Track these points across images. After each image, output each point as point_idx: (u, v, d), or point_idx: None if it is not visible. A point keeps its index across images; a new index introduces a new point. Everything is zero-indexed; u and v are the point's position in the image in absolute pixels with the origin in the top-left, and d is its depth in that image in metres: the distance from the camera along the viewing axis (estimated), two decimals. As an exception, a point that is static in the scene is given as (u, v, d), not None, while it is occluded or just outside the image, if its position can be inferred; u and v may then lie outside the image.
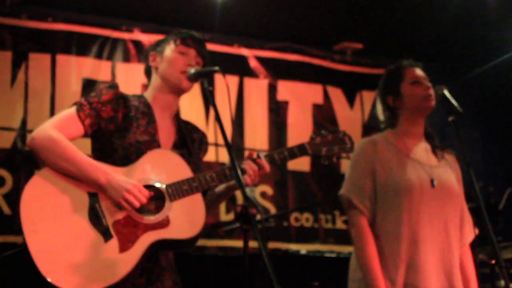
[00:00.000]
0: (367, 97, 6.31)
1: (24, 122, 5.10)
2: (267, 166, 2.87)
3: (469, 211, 3.30)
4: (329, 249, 5.90)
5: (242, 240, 3.95)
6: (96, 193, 2.69)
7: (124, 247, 2.63)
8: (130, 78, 5.39)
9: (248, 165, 2.84)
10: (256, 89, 5.97)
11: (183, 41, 2.99)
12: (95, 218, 2.64)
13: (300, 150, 2.95)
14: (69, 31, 5.36)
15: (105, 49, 5.46)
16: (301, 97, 6.11)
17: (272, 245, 5.60)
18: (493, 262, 4.61)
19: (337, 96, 6.27)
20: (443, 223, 3.11)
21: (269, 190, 5.81)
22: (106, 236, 2.63)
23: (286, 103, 6.07)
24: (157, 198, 2.73)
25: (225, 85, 2.78)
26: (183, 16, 5.59)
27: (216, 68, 2.67)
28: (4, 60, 5.13)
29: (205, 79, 2.69)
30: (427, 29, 5.86)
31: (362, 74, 6.37)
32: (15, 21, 5.22)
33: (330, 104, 6.23)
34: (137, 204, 2.65)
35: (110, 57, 5.45)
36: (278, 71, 6.07)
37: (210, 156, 5.29)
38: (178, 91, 2.98)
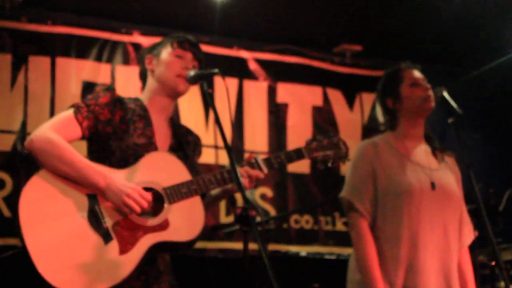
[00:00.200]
0: (367, 99, 6.31)
1: (24, 125, 5.10)
2: (264, 170, 2.89)
3: (469, 213, 3.30)
4: (329, 251, 5.90)
5: (242, 242, 3.96)
6: (95, 194, 2.68)
7: (124, 249, 2.63)
8: (129, 81, 5.40)
9: (244, 170, 2.85)
10: (256, 92, 5.97)
11: (180, 44, 3.00)
12: (95, 220, 2.64)
13: (297, 154, 2.98)
14: (68, 34, 5.36)
15: (105, 52, 5.46)
16: (300, 99, 6.11)
17: (272, 247, 5.60)
18: (493, 263, 4.60)
19: (336, 98, 6.28)
20: (442, 225, 3.12)
21: (269, 192, 5.81)
22: (106, 238, 2.63)
23: (285, 105, 6.07)
24: (156, 201, 2.73)
25: (224, 88, 2.78)
26: (183, 18, 5.60)
27: (216, 70, 2.67)
28: (4, 63, 5.13)
29: (204, 82, 2.69)
30: (427, 30, 5.87)
31: (362, 76, 6.38)
32: (15, 24, 5.22)
33: (330, 106, 6.23)
34: (137, 209, 2.65)
35: (109, 60, 5.46)
36: (277, 73, 6.07)
37: (209, 158, 5.33)
38: (174, 94, 2.99)
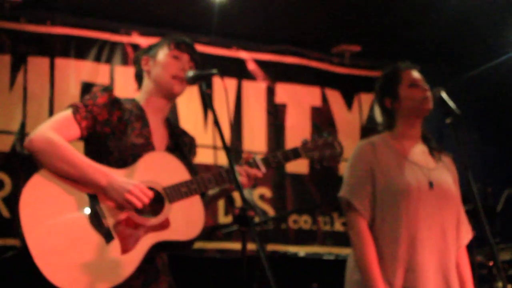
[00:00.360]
0: (365, 99, 6.32)
1: (23, 126, 5.10)
2: (262, 169, 2.91)
3: (467, 213, 3.31)
4: (328, 251, 5.91)
5: (241, 243, 3.97)
6: (95, 194, 2.69)
7: (126, 248, 2.64)
8: (128, 81, 5.36)
9: (242, 169, 2.88)
10: (255, 92, 5.98)
11: (176, 45, 3.01)
12: (96, 219, 2.65)
13: (293, 154, 3.00)
14: (67, 35, 5.37)
15: (104, 53, 5.47)
16: (299, 100, 6.12)
17: (270, 247, 5.61)
18: (491, 263, 4.61)
19: (335, 98, 6.28)
20: (440, 225, 3.13)
21: (267, 192, 5.82)
22: (108, 237, 2.64)
23: (284, 106, 6.07)
24: (156, 200, 2.75)
25: (223, 88, 2.79)
26: (181, 19, 5.60)
27: (215, 71, 2.68)
28: (3, 64, 5.13)
29: (203, 82, 2.70)
30: (425, 30, 5.87)
31: (360, 77, 6.38)
32: (14, 24, 5.22)
33: (328, 107, 6.24)
34: (139, 205, 2.66)
35: (108, 61, 5.46)
36: (276, 73, 6.08)
37: (208, 158, 5.34)
38: (171, 95, 3.00)
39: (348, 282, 3.20)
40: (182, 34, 3.16)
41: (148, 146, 2.88)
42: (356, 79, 6.37)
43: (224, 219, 5.56)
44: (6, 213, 4.94)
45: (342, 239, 5.86)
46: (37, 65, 5.23)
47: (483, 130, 6.58)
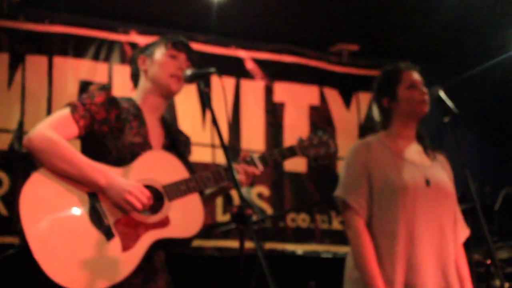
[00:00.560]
0: (364, 98, 6.32)
1: (21, 124, 5.10)
2: (260, 167, 2.94)
3: (465, 212, 3.33)
4: (326, 249, 5.92)
5: (239, 241, 3.97)
6: (95, 193, 2.70)
7: (126, 246, 2.65)
8: (126, 80, 5.36)
9: (240, 167, 2.90)
10: (253, 91, 5.98)
11: (174, 45, 3.03)
12: (96, 217, 2.66)
13: (289, 152, 3.04)
14: (66, 33, 5.36)
15: (102, 51, 5.46)
16: (297, 99, 6.12)
17: (268, 245, 5.61)
18: (489, 262, 4.62)
19: (333, 97, 6.28)
20: (438, 222, 3.14)
21: (265, 191, 5.82)
22: (108, 235, 2.64)
23: (282, 105, 6.07)
24: (156, 198, 2.76)
25: (221, 87, 2.80)
26: (180, 18, 5.60)
27: (213, 69, 2.68)
28: (1, 62, 5.13)
29: (201, 81, 2.71)
30: (424, 30, 5.88)
31: (359, 76, 6.39)
32: (12, 23, 5.22)
33: (327, 106, 6.24)
34: (139, 206, 2.67)
35: (107, 59, 5.46)
36: (274, 72, 6.08)
37: (206, 157, 5.35)
38: (168, 94, 3.02)
39: (347, 281, 3.21)
40: (180, 33, 3.18)
41: (145, 145, 2.89)
42: (354, 78, 6.37)
43: (222, 217, 5.57)
44: (4, 211, 4.93)
45: (340, 238, 5.87)
46: (35, 63, 5.23)
47: (481, 129, 6.60)
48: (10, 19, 5.21)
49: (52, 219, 2.62)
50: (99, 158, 2.78)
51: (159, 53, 3.03)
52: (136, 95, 3.06)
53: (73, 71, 5.32)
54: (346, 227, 3.21)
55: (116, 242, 2.65)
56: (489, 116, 6.60)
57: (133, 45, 5.52)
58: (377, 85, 3.38)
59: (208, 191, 3.04)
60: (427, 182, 3.16)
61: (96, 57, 5.43)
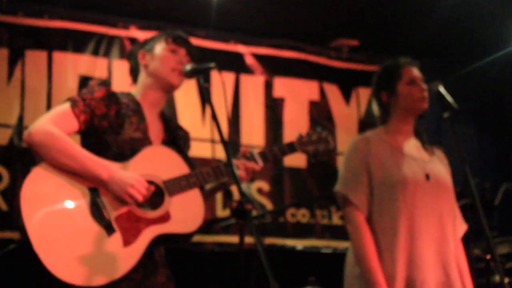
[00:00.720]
0: (363, 93, 6.32)
1: (20, 119, 5.10)
2: (260, 163, 2.95)
3: (465, 207, 3.34)
4: (326, 244, 5.92)
5: (239, 236, 3.97)
6: (96, 188, 2.70)
7: (127, 241, 2.65)
8: (126, 75, 5.37)
9: (240, 162, 2.91)
10: (252, 86, 5.97)
11: (174, 39, 3.03)
12: (97, 212, 2.66)
13: (289, 148, 3.06)
14: (65, 28, 5.35)
15: (102, 46, 5.46)
16: (297, 94, 6.12)
17: (268, 240, 5.61)
18: (488, 257, 4.62)
19: (333, 92, 6.28)
20: (438, 216, 3.14)
21: (265, 186, 5.82)
22: (109, 230, 2.65)
23: (282, 100, 6.07)
24: (156, 194, 2.76)
25: (221, 82, 2.79)
26: (179, 13, 5.59)
27: (212, 64, 2.68)
28: (1, 57, 5.12)
29: (201, 76, 2.71)
30: (423, 25, 5.87)
31: (358, 71, 6.38)
32: (12, 18, 5.21)
33: (326, 101, 6.23)
34: (140, 199, 2.67)
35: (106, 54, 5.45)
36: (274, 67, 6.08)
37: (206, 152, 5.35)
38: (169, 88, 3.02)
39: (348, 276, 3.21)
40: (180, 28, 3.18)
41: (145, 141, 2.89)
42: (354, 73, 6.37)
43: (221, 212, 5.57)
44: (4, 206, 4.93)
45: (340, 233, 5.87)
46: (35, 58, 5.22)
47: (480, 124, 6.59)
48: (9, 14, 5.20)
49: (53, 213, 2.61)
50: (99, 153, 2.77)
51: (159, 48, 3.03)
52: (135, 90, 3.06)
53: (72, 66, 5.32)
54: (346, 222, 3.21)
55: (117, 237, 2.65)
56: (489, 111, 6.60)
57: (133, 40, 5.51)
58: (376, 80, 3.38)
59: (208, 186, 3.04)
60: (427, 177, 3.17)
61: (95, 52, 5.42)
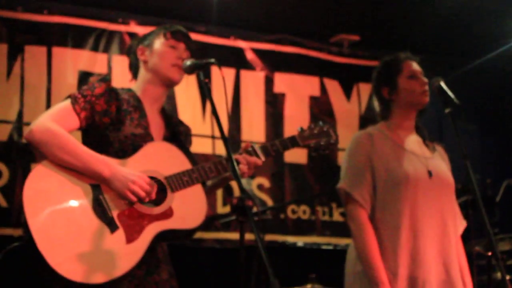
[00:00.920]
0: (364, 89, 6.30)
1: (20, 115, 5.09)
2: (262, 158, 2.93)
3: (466, 203, 3.33)
4: (326, 241, 5.91)
5: (239, 233, 3.97)
6: (98, 184, 2.70)
7: (130, 238, 2.65)
8: (126, 71, 5.36)
9: (242, 157, 2.89)
10: (253, 82, 5.96)
11: (173, 34, 3.02)
12: (100, 209, 2.65)
13: (291, 142, 3.02)
14: (65, 24, 5.34)
15: (102, 42, 5.44)
16: (298, 89, 6.11)
17: (269, 237, 5.60)
18: (490, 254, 4.61)
19: (334, 88, 6.27)
20: (440, 213, 3.13)
21: (266, 182, 5.81)
22: (112, 227, 2.64)
23: (283, 95, 6.06)
24: (158, 190, 2.75)
25: (221, 78, 2.78)
26: (180, 8, 5.58)
27: (212, 60, 2.67)
28: (0, 53, 5.11)
29: (201, 71, 2.69)
30: (425, 21, 5.86)
31: (359, 66, 6.37)
32: (11, 13, 5.19)
33: (327, 96, 6.22)
34: (143, 195, 2.67)
35: (106, 50, 5.44)
36: (274, 63, 6.06)
37: (206, 148, 5.34)
38: (169, 84, 3.01)
39: (350, 273, 3.20)
40: (180, 23, 3.16)
41: (147, 137, 2.89)
42: (355, 68, 6.36)
43: (222, 209, 5.56)
44: (3, 203, 4.92)
45: (340, 229, 5.87)
46: (34, 54, 5.21)
47: (482, 120, 6.58)
48: (8, 9, 5.19)
49: (55, 211, 2.61)
50: (100, 150, 2.77)
51: (159, 43, 3.02)
52: (135, 86, 3.05)
53: (72, 61, 5.31)
54: (349, 220, 3.19)
55: (120, 234, 2.64)
56: (490, 107, 6.58)
57: (133, 36, 5.49)
58: (376, 75, 3.37)
59: (210, 182, 3.04)
60: (430, 174, 3.16)
61: (95, 48, 5.41)
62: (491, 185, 5.11)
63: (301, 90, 6.12)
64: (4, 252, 4.14)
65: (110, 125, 2.84)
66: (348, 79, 6.32)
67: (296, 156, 5.89)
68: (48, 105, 5.12)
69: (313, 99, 6.15)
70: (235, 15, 5.78)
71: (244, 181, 2.50)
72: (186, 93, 5.56)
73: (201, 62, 2.72)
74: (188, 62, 2.75)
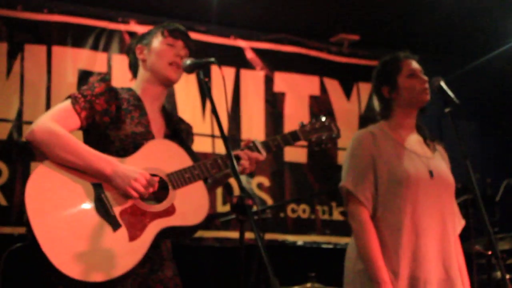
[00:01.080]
0: (364, 88, 6.30)
1: (20, 114, 5.08)
2: (263, 153, 2.92)
3: (466, 203, 3.32)
4: (326, 240, 5.91)
5: (239, 231, 3.97)
6: (100, 183, 2.70)
7: (133, 235, 2.65)
8: (126, 70, 5.36)
9: (244, 153, 2.89)
10: (253, 81, 5.96)
11: (170, 33, 3.02)
12: (102, 208, 2.66)
13: (292, 137, 3.03)
14: (65, 23, 5.34)
15: (101, 41, 5.44)
16: (297, 89, 6.11)
17: (268, 236, 5.60)
18: (490, 253, 4.61)
19: (334, 87, 6.27)
20: (440, 213, 3.13)
21: (266, 181, 5.81)
22: (115, 225, 2.64)
23: (282, 95, 6.06)
24: (160, 187, 2.76)
25: (221, 77, 2.78)
26: (180, 7, 5.58)
27: (212, 59, 2.67)
28: (0, 52, 5.11)
29: (201, 71, 2.69)
30: (425, 20, 5.86)
31: (359, 66, 6.37)
32: (11, 12, 5.19)
33: (327, 96, 6.22)
34: (145, 192, 2.68)
35: (106, 49, 5.44)
36: (274, 62, 6.06)
37: (206, 147, 5.34)
38: (168, 82, 3.01)
39: (350, 272, 3.19)
40: (180, 22, 3.16)
41: (148, 135, 2.89)
42: (354, 68, 6.36)
43: (222, 208, 5.56)
44: (3, 201, 4.92)
45: (340, 228, 5.87)
46: (34, 53, 5.21)
47: (482, 120, 6.58)
48: (8, 8, 5.19)
49: (58, 210, 2.61)
50: (102, 149, 2.78)
51: (156, 42, 3.02)
52: (135, 85, 3.06)
53: (72, 60, 5.30)
54: (351, 219, 3.18)
55: (122, 231, 2.65)
56: (490, 107, 6.58)
57: (133, 35, 5.49)
58: (376, 75, 3.37)
59: (210, 180, 3.03)
60: (431, 174, 3.15)
61: (95, 47, 5.41)
62: (491, 184, 5.11)
63: (301, 90, 6.12)
64: (8, 252, 4.14)
65: (110, 124, 2.84)
66: (348, 79, 6.33)
67: (296, 155, 5.89)
68: (48, 104, 5.12)
69: (313, 98, 6.15)
70: (235, 15, 5.78)
71: (244, 180, 2.50)
72: (186, 92, 5.56)
73: (201, 61, 2.73)
74: (188, 61, 2.75)
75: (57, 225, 2.58)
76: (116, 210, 2.67)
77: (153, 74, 3.00)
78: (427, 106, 3.30)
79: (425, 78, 3.24)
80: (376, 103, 3.38)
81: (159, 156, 2.82)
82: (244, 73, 5.94)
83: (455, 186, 3.27)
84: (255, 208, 2.36)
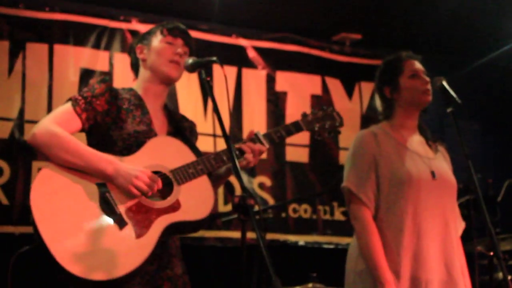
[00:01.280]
0: (366, 88, 6.30)
1: (21, 112, 5.08)
2: (266, 145, 2.93)
3: (468, 203, 3.32)
4: (327, 240, 5.90)
5: (240, 231, 3.96)
6: (104, 183, 2.71)
7: (140, 232, 2.66)
8: (127, 68, 5.35)
9: (247, 146, 2.89)
10: (255, 80, 5.96)
11: (170, 31, 3.03)
12: (107, 207, 2.67)
13: (295, 127, 3.03)
14: (66, 21, 5.33)
15: (103, 39, 5.43)
16: (299, 88, 6.10)
17: (270, 236, 5.60)
18: (491, 253, 4.60)
19: (335, 87, 6.26)
20: (442, 214, 3.13)
21: (267, 181, 5.81)
22: (121, 223, 2.65)
23: (284, 94, 6.06)
24: (165, 184, 2.77)
25: (223, 76, 2.78)
26: (181, 6, 5.58)
27: (214, 58, 2.67)
28: (1, 50, 5.10)
29: (203, 70, 2.69)
30: (427, 20, 5.85)
31: (361, 65, 6.36)
32: (12, 10, 5.18)
33: (329, 95, 6.22)
34: (147, 189, 2.68)
35: (108, 47, 5.43)
36: (276, 61, 6.06)
37: (208, 147, 5.33)
38: (168, 81, 3.03)
39: (351, 272, 3.19)
40: (182, 21, 3.16)
41: (150, 133, 2.91)
42: (356, 67, 6.35)
43: (223, 207, 5.56)
44: (4, 201, 4.91)
45: (342, 228, 5.86)
46: (36, 51, 5.20)
47: (484, 120, 6.57)
48: (10, 7, 5.18)
49: (64, 212, 2.62)
50: (105, 150, 2.79)
51: (156, 41, 3.04)
52: (137, 85, 3.07)
53: (74, 59, 5.30)
54: (353, 219, 3.18)
55: (129, 229, 2.66)
56: (492, 107, 6.58)
57: (135, 33, 5.47)
58: (379, 75, 3.37)
59: (216, 172, 3.03)
60: (433, 175, 3.15)
61: (97, 45, 5.40)
62: (493, 185, 5.10)
63: (302, 89, 6.11)
64: (17, 255, 4.14)
65: (112, 124, 2.86)
66: (350, 78, 6.32)
67: (298, 154, 5.89)
68: (50, 103, 5.11)
69: (314, 97, 6.15)
70: (237, 14, 5.77)
71: (245, 180, 2.50)
72: (188, 91, 5.56)
73: (203, 60, 2.73)
74: (190, 61, 2.75)
75: (64, 228, 2.59)
76: (122, 208, 2.69)
77: (154, 73, 3.01)
78: (429, 106, 3.29)
79: (427, 79, 3.24)
80: (378, 103, 3.38)
81: (162, 153, 2.83)
82: (246, 72, 5.93)
83: (457, 186, 3.26)
84: (256, 208, 2.36)
